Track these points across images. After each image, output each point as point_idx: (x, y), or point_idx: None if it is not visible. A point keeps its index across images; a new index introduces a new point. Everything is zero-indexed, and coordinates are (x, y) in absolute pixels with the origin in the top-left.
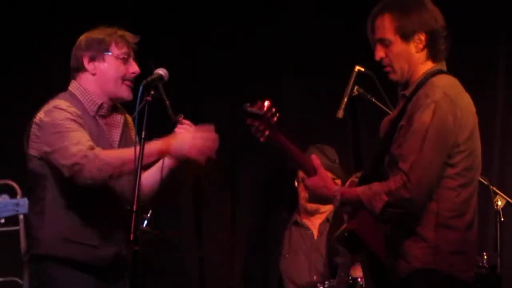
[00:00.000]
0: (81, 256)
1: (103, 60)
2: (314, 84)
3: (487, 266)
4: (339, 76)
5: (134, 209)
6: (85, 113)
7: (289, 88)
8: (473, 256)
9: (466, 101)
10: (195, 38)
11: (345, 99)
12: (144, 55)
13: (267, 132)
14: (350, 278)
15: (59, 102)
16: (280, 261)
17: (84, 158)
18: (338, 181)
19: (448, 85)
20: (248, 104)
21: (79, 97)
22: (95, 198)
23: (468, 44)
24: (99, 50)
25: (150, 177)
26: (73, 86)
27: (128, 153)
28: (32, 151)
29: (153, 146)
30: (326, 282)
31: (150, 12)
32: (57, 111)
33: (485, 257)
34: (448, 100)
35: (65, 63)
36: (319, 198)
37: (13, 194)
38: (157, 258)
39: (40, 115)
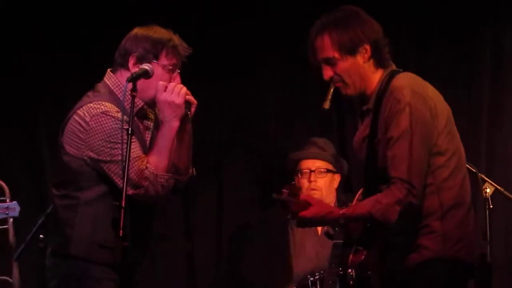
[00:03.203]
0: (111, 259)
1: None
2: (301, 75)
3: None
4: None
5: (123, 205)
6: (126, 114)
7: (274, 79)
8: (476, 239)
9: (432, 90)
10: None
11: (331, 90)
12: None
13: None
14: (340, 269)
15: (107, 106)
16: (290, 262)
17: (145, 180)
18: (337, 176)
19: (411, 81)
20: (275, 194)
21: (119, 96)
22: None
23: (455, 37)
24: (148, 55)
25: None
26: (112, 82)
27: (169, 150)
28: (71, 150)
29: (165, 128)
30: (317, 274)
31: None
32: (108, 118)
33: None
34: (419, 96)
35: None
36: (322, 224)
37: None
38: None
39: (85, 116)
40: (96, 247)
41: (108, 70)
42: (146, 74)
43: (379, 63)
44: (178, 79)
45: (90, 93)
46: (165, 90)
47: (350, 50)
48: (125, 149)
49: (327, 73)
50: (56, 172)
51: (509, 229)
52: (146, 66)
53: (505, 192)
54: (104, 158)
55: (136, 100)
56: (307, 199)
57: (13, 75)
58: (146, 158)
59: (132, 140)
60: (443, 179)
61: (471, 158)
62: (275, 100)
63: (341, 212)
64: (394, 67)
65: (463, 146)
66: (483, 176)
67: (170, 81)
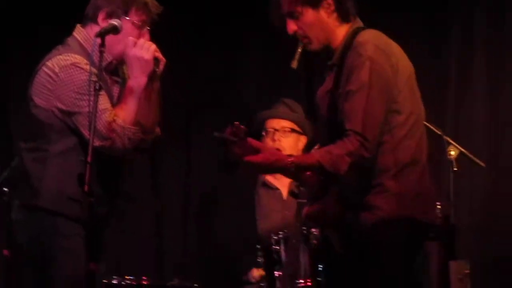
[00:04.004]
0: (80, 213)
1: None
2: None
3: (440, 216)
4: None
5: (89, 160)
6: (96, 68)
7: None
8: (433, 198)
9: (396, 47)
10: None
11: (299, 50)
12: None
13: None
14: (304, 229)
15: (76, 58)
16: (257, 225)
17: (113, 132)
18: (303, 137)
19: (375, 37)
20: (217, 133)
21: (89, 50)
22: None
23: (422, 3)
24: (118, 10)
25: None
26: (82, 36)
27: (136, 105)
28: (40, 102)
29: (132, 83)
30: (280, 232)
31: None
32: (77, 70)
33: (439, 207)
34: (381, 52)
35: None
36: (270, 171)
37: None
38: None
39: (54, 67)
40: (65, 200)
41: (78, 25)
42: (115, 30)
43: (343, 17)
44: (147, 36)
45: (59, 47)
46: (134, 46)
47: (313, 3)
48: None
49: (291, 27)
50: (24, 125)
51: (473, 192)
52: (115, 21)
53: (470, 155)
54: (73, 109)
55: (105, 55)
56: (256, 144)
57: None
58: (114, 111)
59: (101, 93)
60: (400, 138)
61: (437, 121)
62: (249, 63)
63: (290, 160)
64: (360, 23)
65: (424, 107)
66: (448, 139)
67: (139, 38)
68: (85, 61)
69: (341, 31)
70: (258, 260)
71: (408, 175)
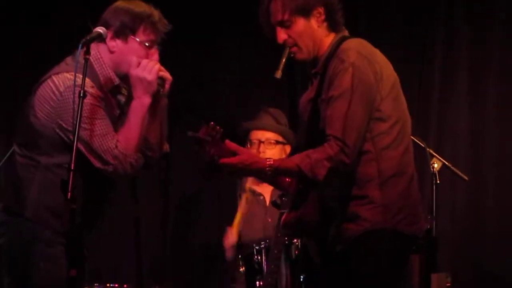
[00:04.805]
0: (63, 227)
1: (126, 41)
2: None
3: (428, 227)
4: None
5: (72, 168)
6: (101, 89)
7: (229, 48)
8: (418, 210)
9: (380, 56)
10: None
11: (283, 60)
12: (83, 15)
13: (213, 152)
14: (286, 239)
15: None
16: (239, 231)
17: (115, 159)
18: (288, 147)
19: (359, 45)
20: (190, 132)
21: (96, 69)
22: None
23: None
24: (125, 30)
25: (150, 130)
26: (91, 53)
27: (140, 127)
28: (41, 115)
29: (136, 104)
30: (262, 242)
31: None
32: None
33: (428, 217)
34: (364, 59)
35: None
36: (247, 174)
37: None
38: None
39: (59, 85)
40: (49, 215)
41: None
42: (99, 37)
43: (332, 27)
44: (156, 55)
45: (68, 60)
46: (138, 66)
47: (304, 12)
48: (97, 125)
49: (281, 36)
50: (20, 130)
51: (455, 205)
52: (99, 29)
53: (453, 168)
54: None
55: (112, 77)
56: (233, 147)
57: None
58: (116, 136)
59: (103, 117)
60: (383, 147)
61: (421, 133)
62: (231, 68)
63: (268, 162)
64: (346, 33)
65: (410, 117)
66: (431, 151)
67: (146, 57)
68: (91, 83)
69: (327, 40)
70: (240, 270)
71: (393, 187)
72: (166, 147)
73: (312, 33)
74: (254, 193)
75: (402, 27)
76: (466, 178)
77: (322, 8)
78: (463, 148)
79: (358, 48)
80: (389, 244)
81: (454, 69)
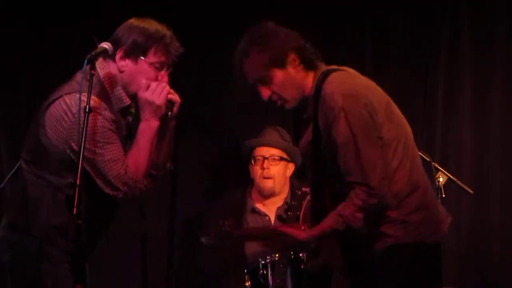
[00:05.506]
0: (68, 246)
1: (136, 62)
2: None
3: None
4: None
5: (77, 183)
6: (112, 110)
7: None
8: (438, 217)
9: (365, 84)
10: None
11: None
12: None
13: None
14: (292, 253)
15: (96, 102)
16: (244, 250)
17: (124, 185)
18: (291, 165)
19: (340, 84)
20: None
21: (108, 89)
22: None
23: (410, 27)
24: (136, 50)
25: (158, 150)
26: (104, 73)
27: (149, 150)
28: (51, 135)
29: (144, 127)
30: (268, 257)
31: None
32: (95, 116)
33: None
34: (350, 98)
35: None
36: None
37: None
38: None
39: (71, 106)
40: (56, 233)
41: (101, 58)
42: (105, 53)
43: (309, 66)
44: (165, 78)
45: (78, 78)
46: (147, 89)
47: (279, 64)
48: (108, 149)
49: (265, 93)
50: (30, 149)
51: (461, 218)
52: (105, 44)
53: (458, 182)
54: (86, 154)
55: (123, 97)
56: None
57: None
58: (126, 161)
59: (114, 140)
60: (392, 171)
61: (426, 147)
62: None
63: (305, 236)
64: (323, 66)
65: (412, 131)
66: (436, 165)
67: (156, 79)
68: (104, 105)
69: (309, 80)
70: (246, 285)
71: (409, 204)
72: (170, 164)
73: (292, 80)
74: (259, 213)
75: (407, 43)
76: (471, 191)
77: (293, 53)
78: (468, 162)
79: (340, 88)
80: (412, 256)
81: (458, 85)
